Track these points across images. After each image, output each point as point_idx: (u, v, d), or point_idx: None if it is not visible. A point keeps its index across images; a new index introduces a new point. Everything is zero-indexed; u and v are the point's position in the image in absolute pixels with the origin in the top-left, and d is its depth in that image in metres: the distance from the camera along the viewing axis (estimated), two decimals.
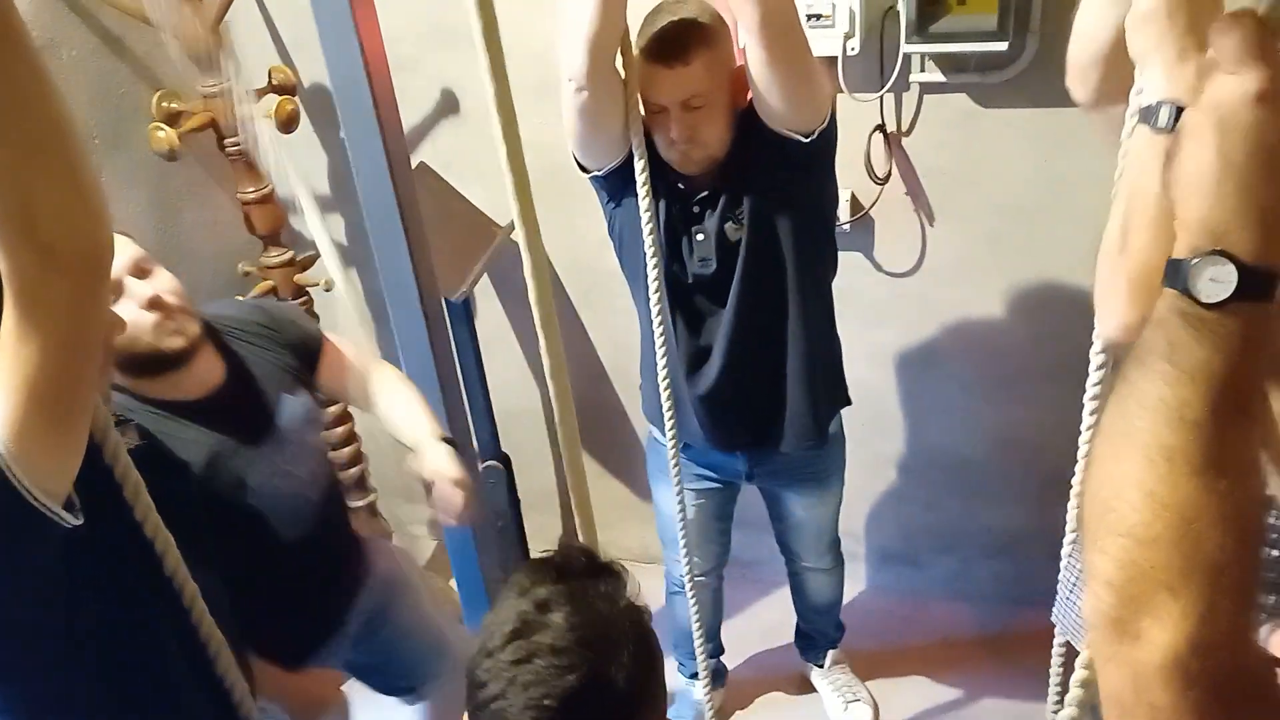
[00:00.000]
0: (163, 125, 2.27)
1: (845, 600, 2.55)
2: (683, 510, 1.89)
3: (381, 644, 1.89)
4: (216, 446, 1.52)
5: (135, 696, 1.15)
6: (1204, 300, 0.60)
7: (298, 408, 1.66)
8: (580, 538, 1.85)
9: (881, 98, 2.20)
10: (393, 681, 2.00)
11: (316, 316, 2.42)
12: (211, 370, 1.55)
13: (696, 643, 2.05)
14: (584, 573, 0.97)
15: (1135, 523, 0.62)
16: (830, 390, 2.07)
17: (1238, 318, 0.60)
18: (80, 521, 0.95)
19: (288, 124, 2.43)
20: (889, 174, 2.28)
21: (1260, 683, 0.63)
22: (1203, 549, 0.60)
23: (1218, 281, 0.59)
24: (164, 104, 2.33)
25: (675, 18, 1.70)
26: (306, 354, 1.74)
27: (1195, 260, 0.60)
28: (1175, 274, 0.61)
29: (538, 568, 0.97)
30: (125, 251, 1.42)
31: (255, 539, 1.57)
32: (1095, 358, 1.12)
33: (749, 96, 1.72)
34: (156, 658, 1.16)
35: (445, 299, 2.39)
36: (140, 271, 1.45)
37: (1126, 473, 0.63)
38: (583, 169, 1.85)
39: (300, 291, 2.61)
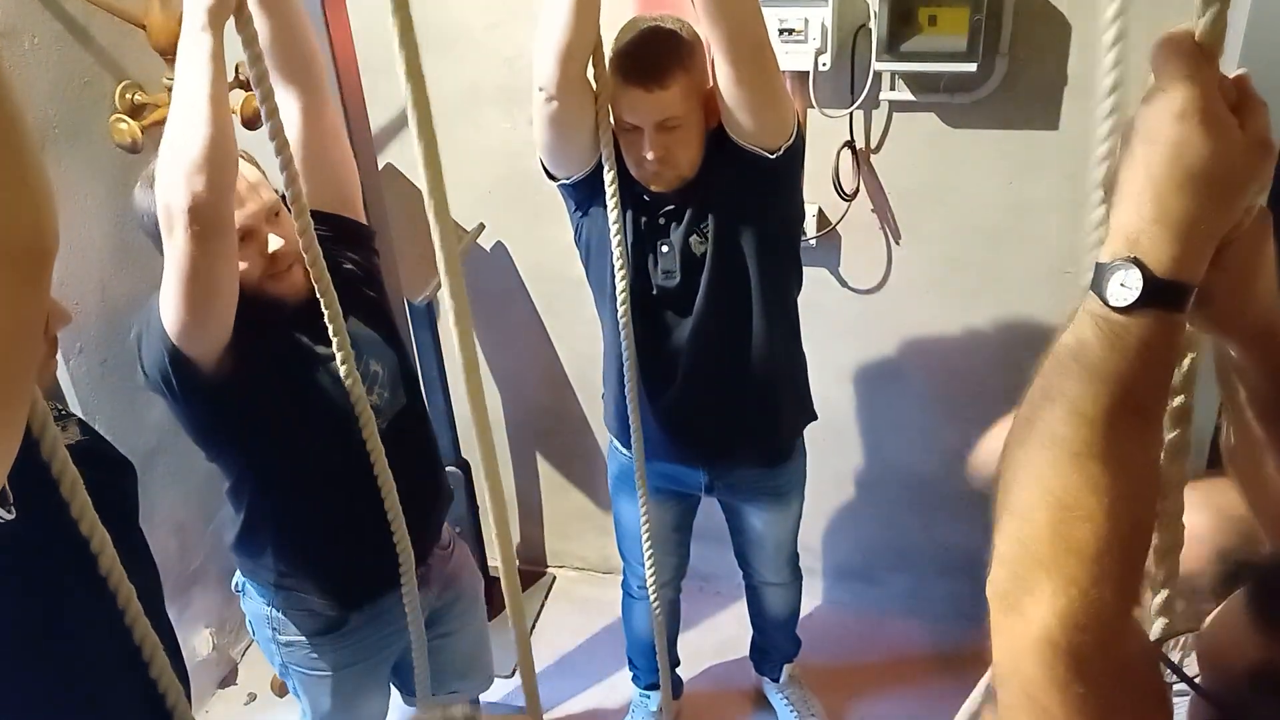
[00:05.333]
0: (125, 117, 2.23)
1: (801, 615, 2.54)
2: (648, 519, 1.88)
3: (434, 640, 1.85)
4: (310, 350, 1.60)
5: (62, 697, 1.12)
6: (1111, 304, 0.63)
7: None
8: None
9: (851, 114, 2.21)
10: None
11: None
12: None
13: (659, 653, 2.04)
14: None
15: (1024, 504, 0.66)
16: (794, 406, 2.07)
17: (1143, 324, 0.63)
18: (12, 516, 0.93)
19: (253, 120, 2.41)
20: (857, 190, 2.29)
21: (1136, 670, 0.65)
22: (1077, 535, 0.63)
23: (1125, 287, 0.62)
24: (127, 95, 2.29)
25: (652, 32, 1.68)
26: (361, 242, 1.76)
27: (1111, 265, 0.63)
28: (1096, 276, 0.65)
29: None
30: (264, 197, 1.52)
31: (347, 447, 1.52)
32: None
33: (719, 118, 1.72)
34: (87, 657, 1.14)
35: (408, 302, 2.37)
36: (272, 218, 1.53)
37: (1024, 457, 0.67)
38: (551, 177, 1.84)
39: None
